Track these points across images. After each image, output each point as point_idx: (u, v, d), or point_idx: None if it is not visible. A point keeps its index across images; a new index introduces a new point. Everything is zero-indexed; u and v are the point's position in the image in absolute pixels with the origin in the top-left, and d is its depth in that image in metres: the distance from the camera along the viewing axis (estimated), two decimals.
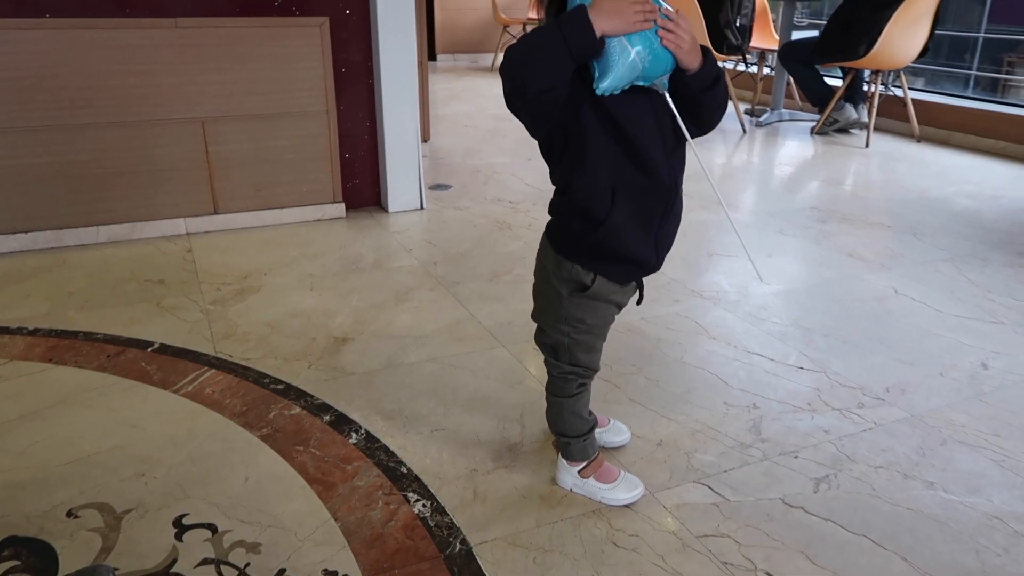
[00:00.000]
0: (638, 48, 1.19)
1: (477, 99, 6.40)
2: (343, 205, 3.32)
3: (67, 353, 2.11)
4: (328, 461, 1.66)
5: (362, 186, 3.43)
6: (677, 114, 1.26)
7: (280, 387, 1.95)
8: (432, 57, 8.64)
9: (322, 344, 2.19)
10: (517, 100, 1.22)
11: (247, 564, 1.38)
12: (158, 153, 2.97)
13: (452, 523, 1.49)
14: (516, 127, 5.84)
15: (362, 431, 1.77)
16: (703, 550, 1.43)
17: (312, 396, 1.91)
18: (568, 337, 1.47)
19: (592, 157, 1.29)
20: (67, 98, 2.78)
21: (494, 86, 7.11)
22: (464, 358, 2.13)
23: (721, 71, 1.27)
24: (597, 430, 1.67)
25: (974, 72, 5.73)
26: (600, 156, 1.28)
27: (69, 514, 1.49)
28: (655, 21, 1.18)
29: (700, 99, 1.26)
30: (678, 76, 1.25)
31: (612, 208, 1.31)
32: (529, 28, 8.26)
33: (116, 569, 1.34)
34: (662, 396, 1.95)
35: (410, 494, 1.56)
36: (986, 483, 1.64)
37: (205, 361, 2.07)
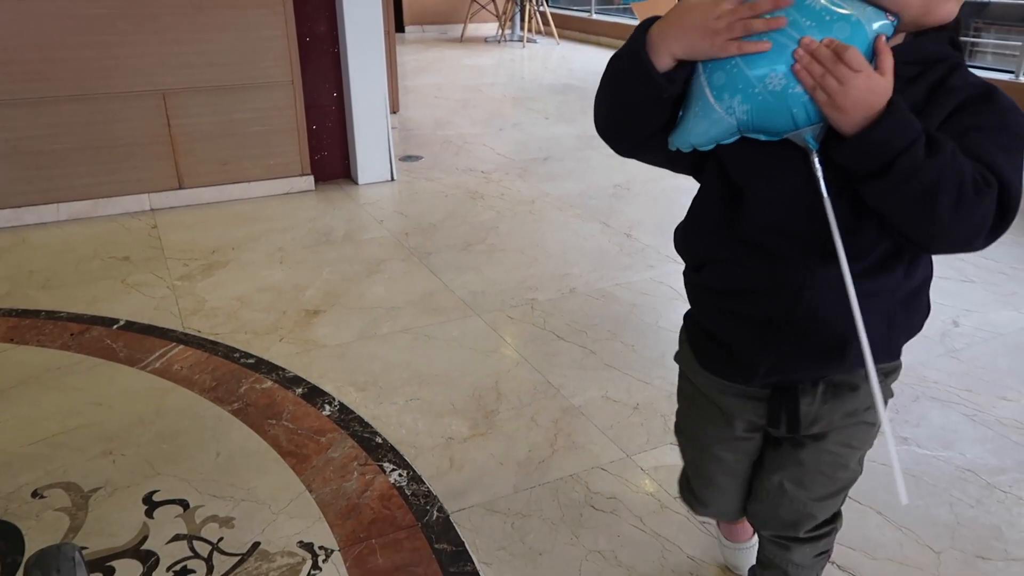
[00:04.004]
0: (721, 89, 0.75)
1: (446, 71, 6.31)
2: (312, 178, 3.26)
3: (29, 333, 2.05)
4: (301, 434, 1.63)
5: (331, 158, 3.36)
6: (823, 187, 0.75)
7: (251, 361, 1.91)
8: (400, 28, 8.50)
9: (293, 318, 2.15)
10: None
11: (220, 539, 1.35)
12: (118, 128, 2.89)
13: (429, 491, 1.47)
14: (486, 98, 5.76)
15: (335, 403, 1.74)
16: (681, 510, 1.43)
17: (284, 369, 1.88)
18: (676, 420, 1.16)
19: (696, 202, 0.93)
20: (20, 72, 2.69)
21: (463, 57, 7.03)
22: (438, 328, 2.10)
23: (915, 154, 0.71)
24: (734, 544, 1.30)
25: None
26: (700, 207, 0.91)
27: (35, 494, 1.46)
28: (790, 48, 0.72)
29: (862, 188, 0.76)
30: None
31: (698, 275, 0.95)
32: None
33: (84, 548, 1.31)
34: (638, 361, 1.94)
35: (386, 464, 1.54)
36: (959, 437, 1.65)
37: (173, 337, 2.03)
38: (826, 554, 1.11)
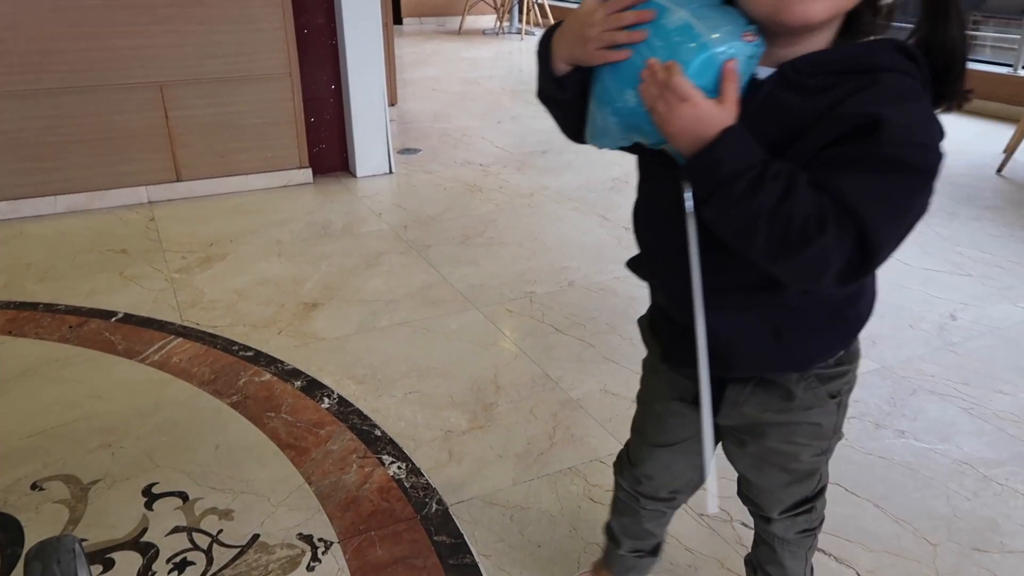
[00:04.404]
0: (597, 98, 0.77)
1: (445, 63, 6.30)
2: (310, 171, 3.25)
3: (27, 325, 2.05)
4: (300, 426, 1.63)
5: (329, 151, 3.36)
6: (687, 199, 0.76)
7: (249, 354, 1.91)
8: (398, 21, 8.47)
9: (291, 310, 2.15)
10: None
11: (220, 531, 1.36)
12: (116, 119, 2.88)
13: (428, 484, 1.47)
14: (485, 91, 5.76)
15: (334, 396, 1.75)
16: None
17: (282, 362, 1.88)
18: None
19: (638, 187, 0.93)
20: (17, 63, 2.68)
21: (461, 50, 7.01)
22: (437, 321, 2.10)
23: (731, 190, 0.70)
24: None
25: None
26: (639, 191, 0.92)
27: (34, 487, 1.46)
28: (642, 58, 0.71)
29: (699, 211, 0.75)
30: None
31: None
32: None
33: (83, 540, 1.31)
34: (637, 354, 1.93)
35: (385, 457, 1.55)
36: (955, 431, 1.66)
37: (171, 330, 2.03)
38: (810, 533, 1.09)
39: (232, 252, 2.54)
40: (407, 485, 1.47)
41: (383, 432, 1.63)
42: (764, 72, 0.73)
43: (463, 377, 1.84)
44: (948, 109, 0.77)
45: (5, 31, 2.63)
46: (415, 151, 3.72)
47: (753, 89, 0.73)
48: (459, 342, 2.00)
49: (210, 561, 1.30)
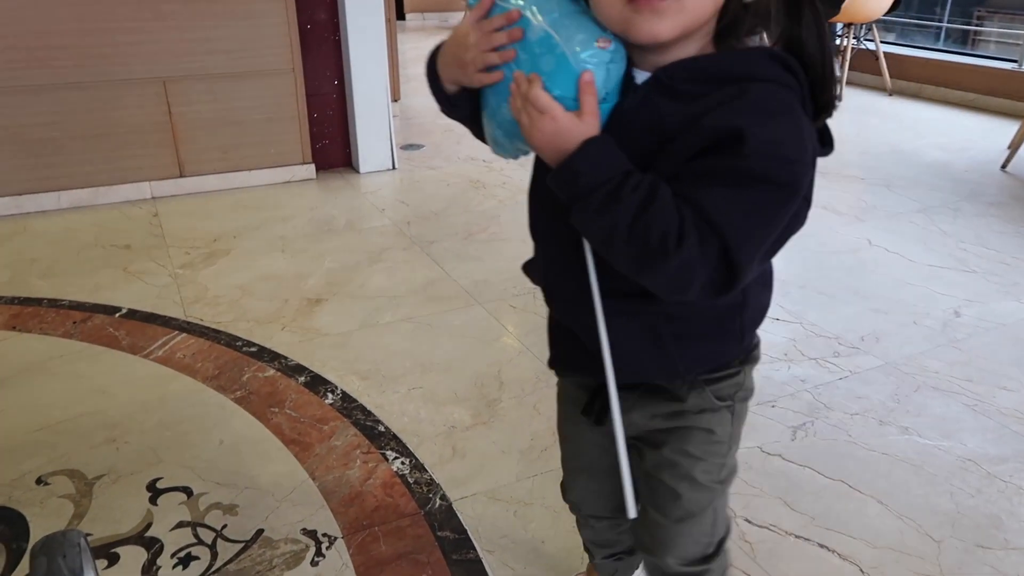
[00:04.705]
0: (484, 112, 0.80)
1: None
2: (313, 166, 3.25)
3: (31, 320, 2.06)
4: (304, 422, 1.64)
5: (332, 147, 3.36)
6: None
7: (253, 350, 1.92)
8: (401, 16, 8.46)
9: (295, 306, 2.15)
10: None
11: (224, 526, 1.36)
12: (119, 115, 2.88)
13: (431, 479, 1.48)
14: None
15: (338, 391, 1.75)
16: None
17: (286, 358, 1.88)
18: None
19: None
20: (20, 58, 2.68)
21: None
22: (440, 317, 2.10)
23: (589, 202, 0.69)
24: None
25: (945, 25, 5.74)
26: (529, 194, 0.89)
27: (39, 481, 1.46)
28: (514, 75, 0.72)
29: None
30: None
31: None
32: None
33: (88, 534, 1.31)
34: None
35: (388, 452, 1.55)
36: (959, 427, 1.66)
37: (175, 325, 2.03)
38: None
39: (235, 248, 2.54)
40: (411, 481, 1.47)
41: (387, 428, 1.63)
42: (641, 76, 0.72)
43: (466, 373, 1.84)
44: (820, 120, 0.73)
45: (9, 26, 2.63)
46: (418, 147, 3.71)
47: (628, 93, 0.72)
48: (462, 338, 2.00)
49: (214, 556, 1.30)
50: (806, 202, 0.71)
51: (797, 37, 0.71)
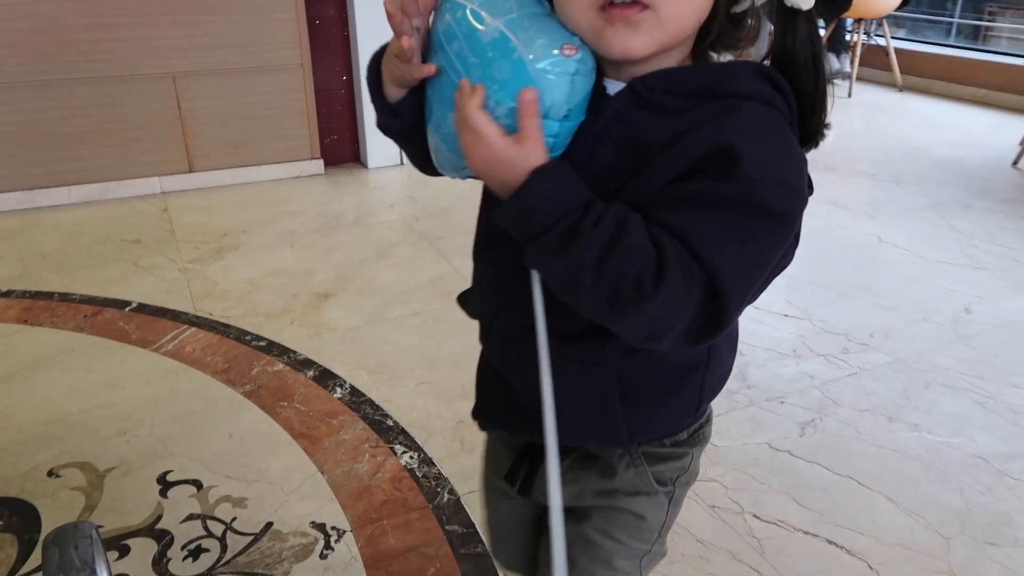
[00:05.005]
0: (428, 122, 0.69)
1: None
2: (321, 162, 3.26)
3: (43, 314, 2.07)
4: (313, 416, 1.64)
5: (340, 142, 3.36)
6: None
7: (262, 344, 1.92)
8: None
9: (304, 301, 2.16)
10: None
11: (234, 519, 1.37)
12: (129, 110, 2.89)
13: (440, 474, 1.48)
14: None
15: (347, 386, 1.75)
16: (691, 494, 1.42)
17: (295, 352, 1.89)
18: None
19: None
20: (31, 53, 2.69)
21: None
22: (448, 312, 2.10)
23: (544, 243, 0.58)
24: None
25: (956, 20, 5.70)
26: (479, 218, 0.81)
27: (50, 473, 1.47)
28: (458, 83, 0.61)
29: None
30: None
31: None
32: None
33: (100, 526, 1.32)
34: None
35: (397, 446, 1.55)
36: (969, 424, 1.65)
37: (185, 320, 2.04)
38: None
39: (244, 243, 2.55)
40: (419, 474, 1.48)
41: (395, 422, 1.63)
42: (614, 87, 0.63)
43: (474, 367, 1.84)
44: (807, 148, 0.65)
45: (20, 21, 2.64)
46: None
47: (599, 106, 0.62)
48: (470, 333, 1.99)
49: (224, 548, 1.31)
50: (795, 240, 0.62)
51: (790, 51, 0.63)
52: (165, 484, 1.45)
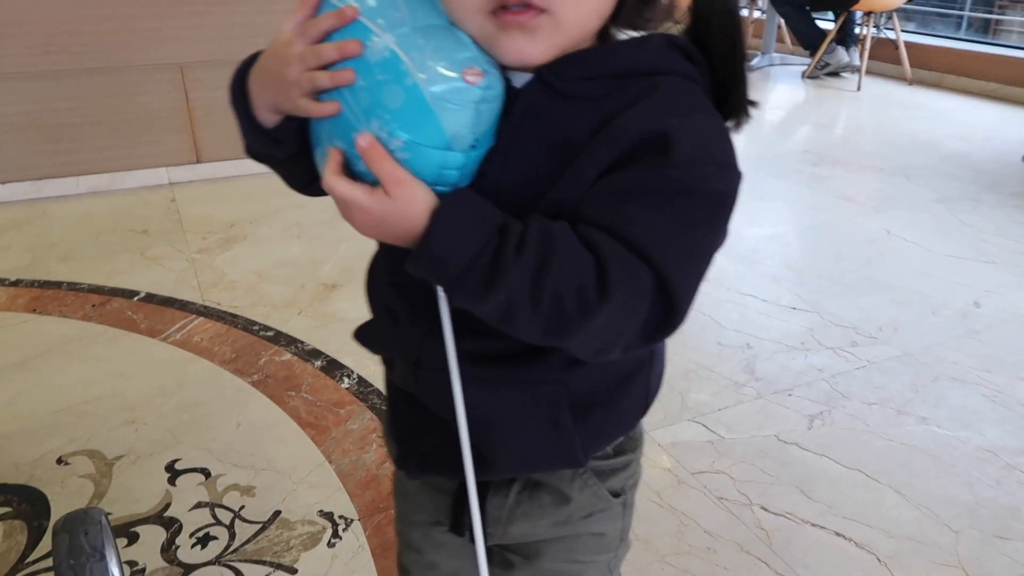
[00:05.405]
0: (319, 151, 0.57)
1: None
2: None
3: (51, 303, 2.07)
4: (321, 406, 1.65)
5: None
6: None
7: (270, 334, 1.93)
8: None
9: (311, 291, 2.16)
10: None
11: (242, 507, 1.37)
12: (136, 101, 2.89)
13: None
14: None
15: (354, 376, 1.75)
16: (698, 486, 1.43)
17: (303, 342, 1.89)
18: None
19: None
20: (39, 44, 2.69)
21: None
22: None
23: (466, 285, 0.52)
24: None
25: (966, 13, 5.66)
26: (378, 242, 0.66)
27: (59, 461, 1.48)
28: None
29: None
30: None
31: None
32: None
33: (109, 513, 1.33)
34: None
35: None
36: (978, 418, 1.64)
37: (192, 309, 2.04)
38: None
39: (252, 233, 2.55)
40: None
41: None
42: (520, 78, 0.56)
43: None
44: (734, 125, 0.60)
45: (27, 12, 2.64)
46: None
47: (507, 102, 0.56)
48: None
49: (232, 536, 1.31)
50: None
51: (706, 18, 0.57)
52: (173, 472, 1.45)
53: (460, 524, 0.72)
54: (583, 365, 0.62)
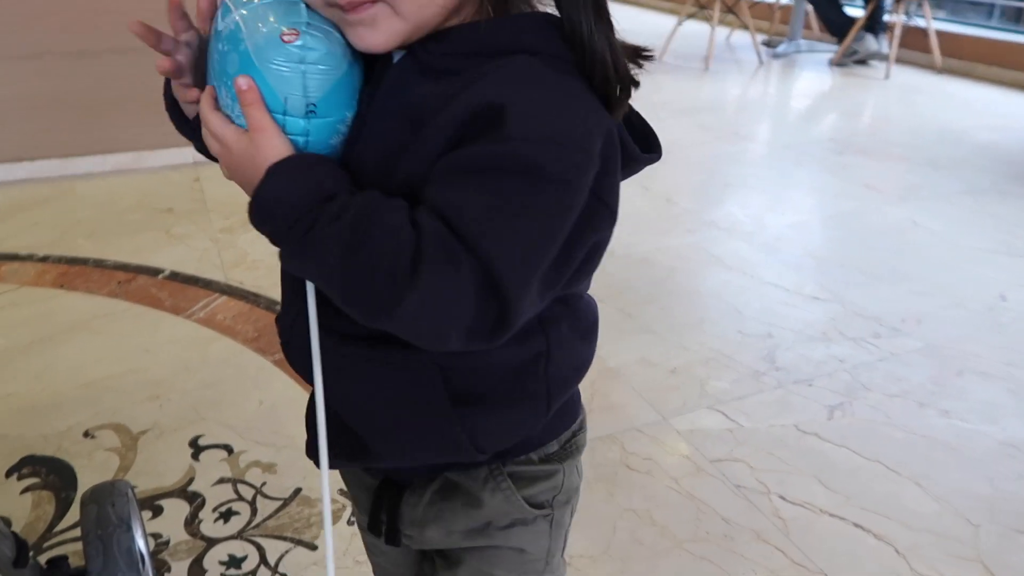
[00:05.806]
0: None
1: None
2: None
3: (77, 280, 2.10)
4: None
5: None
6: None
7: None
8: None
9: None
10: None
11: (263, 483, 1.39)
12: (161, 80, 2.90)
13: None
14: None
15: None
16: (717, 474, 1.43)
17: None
18: None
19: None
20: (67, 23, 2.71)
21: None
22: None
23: (288, 241, 0.52)
24: None
25: (998, 2, 5.55)
26: None
27: (86, 434, 1.51)
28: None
29: None
30: None
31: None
32: None
33: (134, 486, 1.35)
34: (676, 325, 1.94)
35: None
36: (1002, 412, 1.63)
37: (216, 288, 2.07)
38: None
39: None
40: None
41: None
42: (399, 54, 0.57)
43: None
44: (614, 115, 0.55)
45: None
46: None
47: (382, 77, 0.57)
48: None
49: (254, 512, 1.33)
50: (603, 205, 0.54)
51: (565, 11, 0.54)
52: (197, 448, 1.48)
53: (377, 523, 0.70)
54: (464, 354, 0.57)
